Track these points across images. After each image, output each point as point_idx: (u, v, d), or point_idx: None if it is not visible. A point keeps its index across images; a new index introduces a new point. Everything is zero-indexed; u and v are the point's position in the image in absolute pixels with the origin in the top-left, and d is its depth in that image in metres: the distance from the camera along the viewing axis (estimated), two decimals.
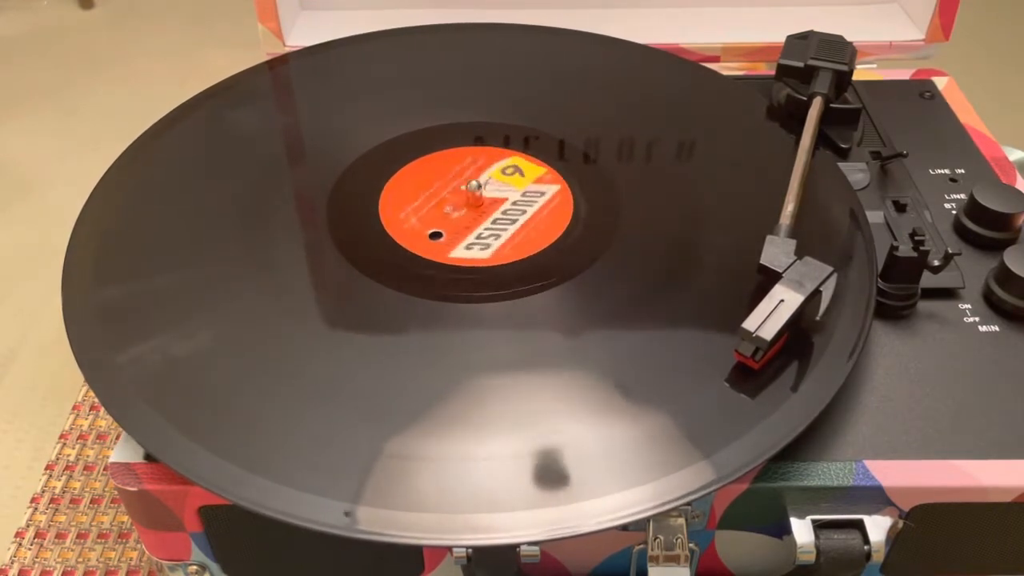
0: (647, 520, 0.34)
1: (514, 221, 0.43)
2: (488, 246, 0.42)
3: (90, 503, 0.46)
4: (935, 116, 0.52)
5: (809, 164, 0.44)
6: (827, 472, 0.35)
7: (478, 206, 0.44)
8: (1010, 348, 0.39)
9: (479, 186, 0.44)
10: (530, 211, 0.44)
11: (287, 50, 0.58)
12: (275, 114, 0.50)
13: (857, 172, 0.47)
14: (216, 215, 0.43)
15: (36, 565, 0.44)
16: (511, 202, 0.44)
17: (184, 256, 0.41)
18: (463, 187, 0.45)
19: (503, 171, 0.43)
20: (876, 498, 0.35)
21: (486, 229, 0.43)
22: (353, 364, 0.36)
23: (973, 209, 0.44)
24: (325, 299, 0.39)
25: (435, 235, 0.43)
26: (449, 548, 0.35)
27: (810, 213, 0.43)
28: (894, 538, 0.36)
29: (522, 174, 0.43)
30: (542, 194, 0.45)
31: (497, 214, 0.44)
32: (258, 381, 0.36)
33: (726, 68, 0.58)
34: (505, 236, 0.43)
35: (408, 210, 0.44)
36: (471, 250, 0.42)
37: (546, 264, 0.41)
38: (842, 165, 0.47)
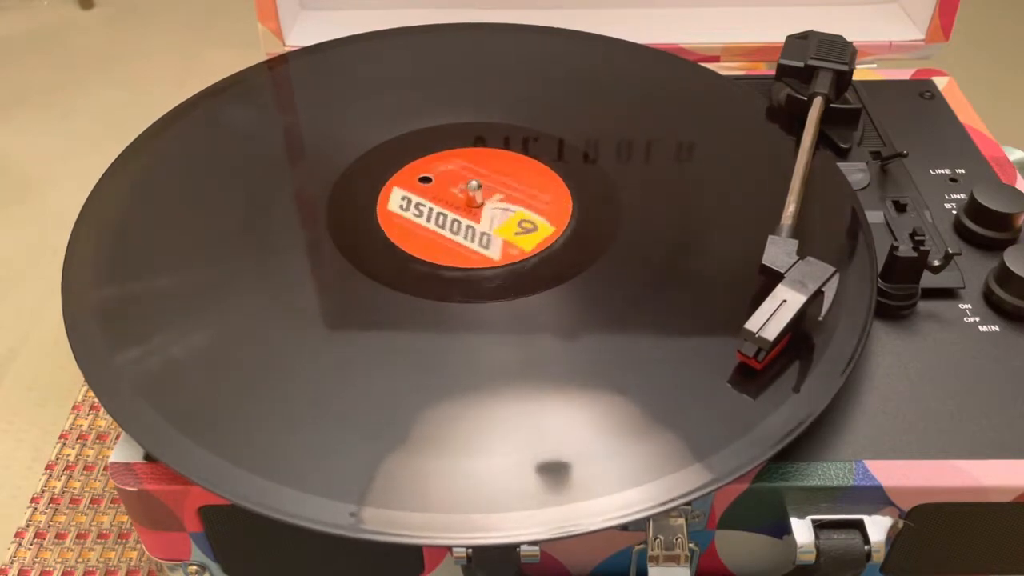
0: (647, 520, 0.34)
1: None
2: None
3: (90, 503, 0.46)
4: (935, 116, 0.52)
5: (810, 164, 0.44)
6: (827, 472, 0.35)
7: (478, 206, 0.44)
8: (1010, 348, 0.39)
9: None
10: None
11: (287, 50, 0.58)
12: (275, 114, 0.50)
13: (857, 172, 0.47)
14: (216, 215, 0.43)
15: (36, 565, 0.43)
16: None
17: (184, 256, 0.41)
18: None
19: (520, 224, 0.42)
20: (876, 498, 0.35)
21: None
22: (353, 364, 0.36)
23: (973, 209, 0.44)
24: (325, 299, 0.39)
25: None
26: (449, 548, 0.35)
27: (810, 213, 0.43)
28: (894, 538, 0.36)
29: (535, 229, 0.43)
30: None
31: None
32: (258, 381, 0.36)
33: (726, 68, 0.58)
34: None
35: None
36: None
37: (546, 264, 0.41)
38: (842, 165, 0.47)
